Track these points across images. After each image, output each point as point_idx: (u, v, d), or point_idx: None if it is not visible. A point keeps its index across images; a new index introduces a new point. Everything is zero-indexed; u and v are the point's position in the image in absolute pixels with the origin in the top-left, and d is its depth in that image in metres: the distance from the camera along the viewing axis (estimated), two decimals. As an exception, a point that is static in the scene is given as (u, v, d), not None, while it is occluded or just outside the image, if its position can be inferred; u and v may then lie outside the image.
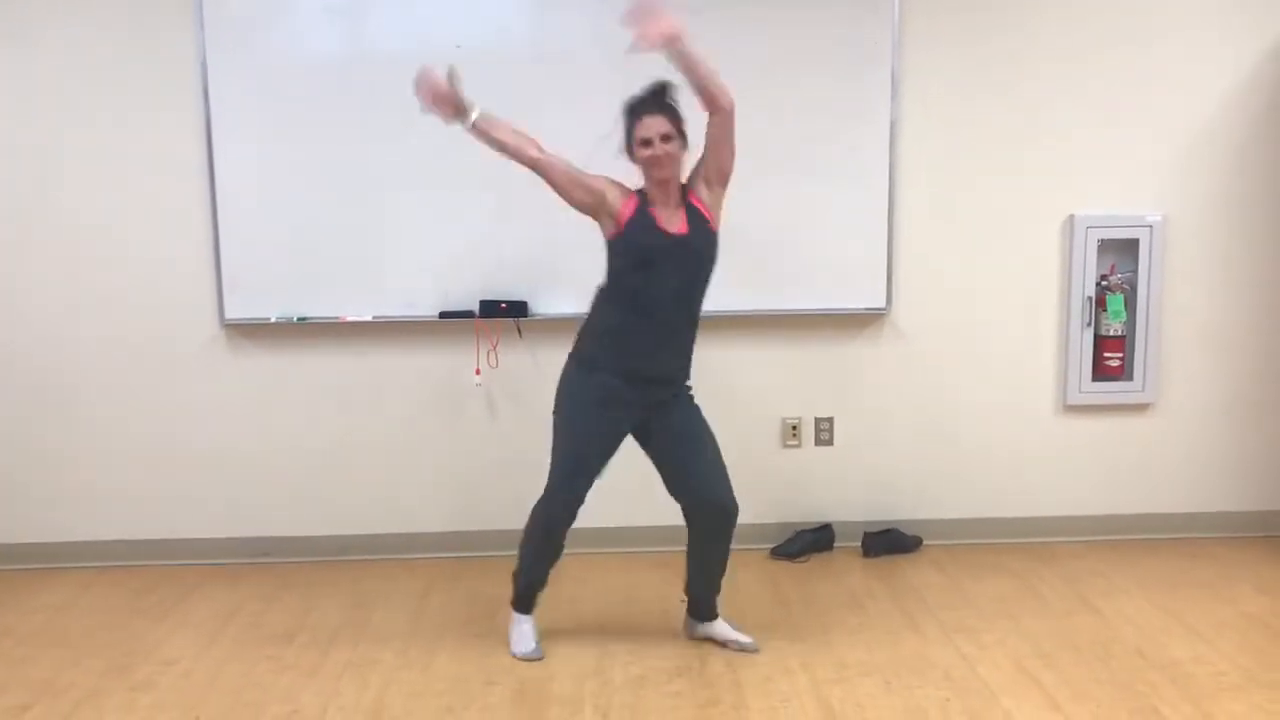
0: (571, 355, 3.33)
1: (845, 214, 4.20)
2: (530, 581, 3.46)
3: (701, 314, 3.30)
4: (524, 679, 3.30)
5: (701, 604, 3.51)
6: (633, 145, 3.19)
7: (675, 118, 3.17)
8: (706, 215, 3.24)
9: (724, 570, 3.46)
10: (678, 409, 3.32)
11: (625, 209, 3.19)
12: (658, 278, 3.19)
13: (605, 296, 3.29)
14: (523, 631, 3.45)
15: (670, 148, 3.15)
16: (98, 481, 4.31)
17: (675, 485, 3.35)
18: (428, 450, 4.33)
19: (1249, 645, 3.46)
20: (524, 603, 3.49)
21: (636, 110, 3.19)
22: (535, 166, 3.18)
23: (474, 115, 3.15)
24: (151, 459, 4.30)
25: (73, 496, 4.31)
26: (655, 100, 3.18)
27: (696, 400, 3.36)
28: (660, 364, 3.27)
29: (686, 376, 3.35)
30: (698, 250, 3.23)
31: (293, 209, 4.13)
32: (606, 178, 3.22)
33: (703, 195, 3.26)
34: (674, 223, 3.21)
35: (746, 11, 4.07)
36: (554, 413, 3.32)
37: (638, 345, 3.23)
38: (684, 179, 3.25)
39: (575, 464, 3.29)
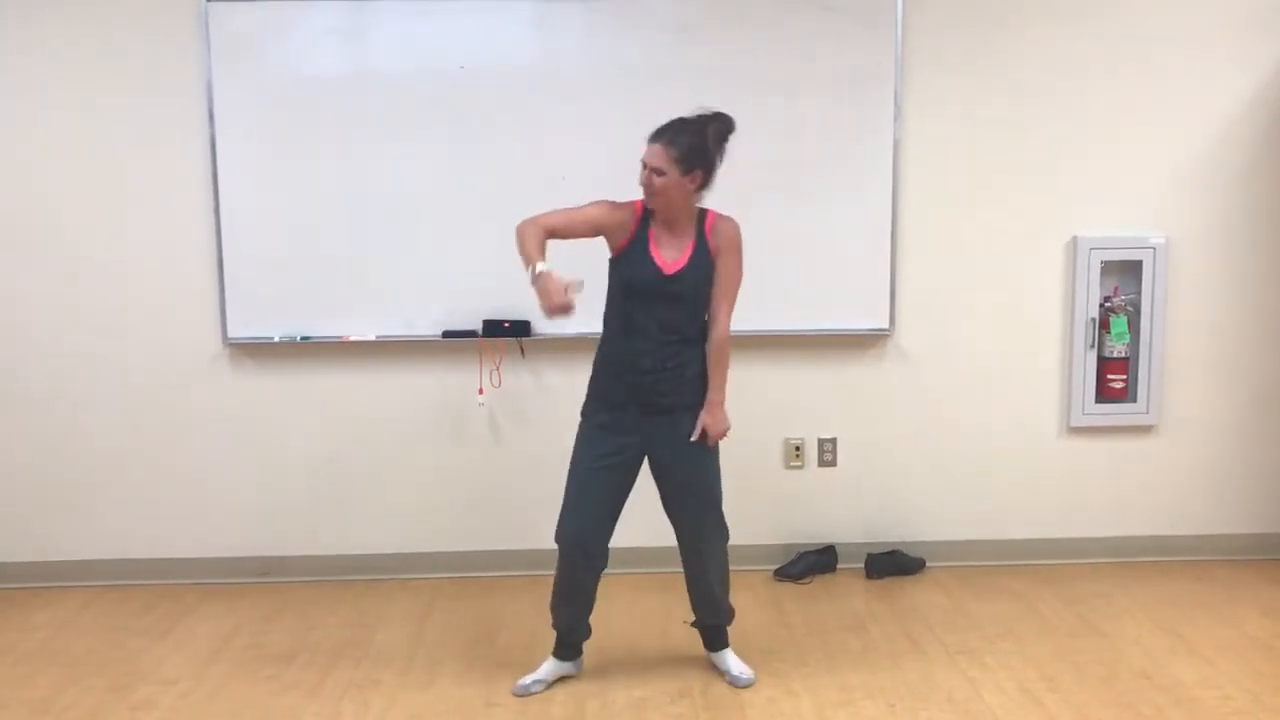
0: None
1: (849, 235, 4.21)
2: (557, 625, 3.41)
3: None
4: (525, 701, 3.28)
5: (707, 631, 3.48)
6: None
7: (675, 153, 3.10)
8: (711, 250, 3.21)
9: (721, 594, 3.42)
10: (664, 438, 3.25)
11: (629, 231, 3.19)
12: (644, 308, 3.18)
13: (604, 321, 3.27)
14: (537, 669, 3.40)
15: (657, 181, 3.11)
16: (98, 500, 4.30)
17: (666, 507, 3.34)
18: (430, 469, 4.32)
19: (1254, 668, 3.44)
20: (557, 647, 3.43)
21: (651, 135, 3.17)
22: (552, 234, 3.13)
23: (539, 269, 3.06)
24: (153, 478, 4.29)
25: (73, 515, 4.31)
26: (661, 131, 3.15)
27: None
28: (652, 391, 3.21)
29: (691, 399, 3.27)
30: (691, 288, 3.20)
31: (296, 228, 4.14)
32: (608, 202, 3.21)
33: (721, 228, 3.23)
34: (673, 254, 3.19)
35: (748, 33, 4.09)
36: None
37: (618, 366, 3.21)
38: (697, 207, 3.23)
39: (568, 502, 3.27)
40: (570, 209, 3.18)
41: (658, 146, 3.12)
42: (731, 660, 3.44)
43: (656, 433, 3.25)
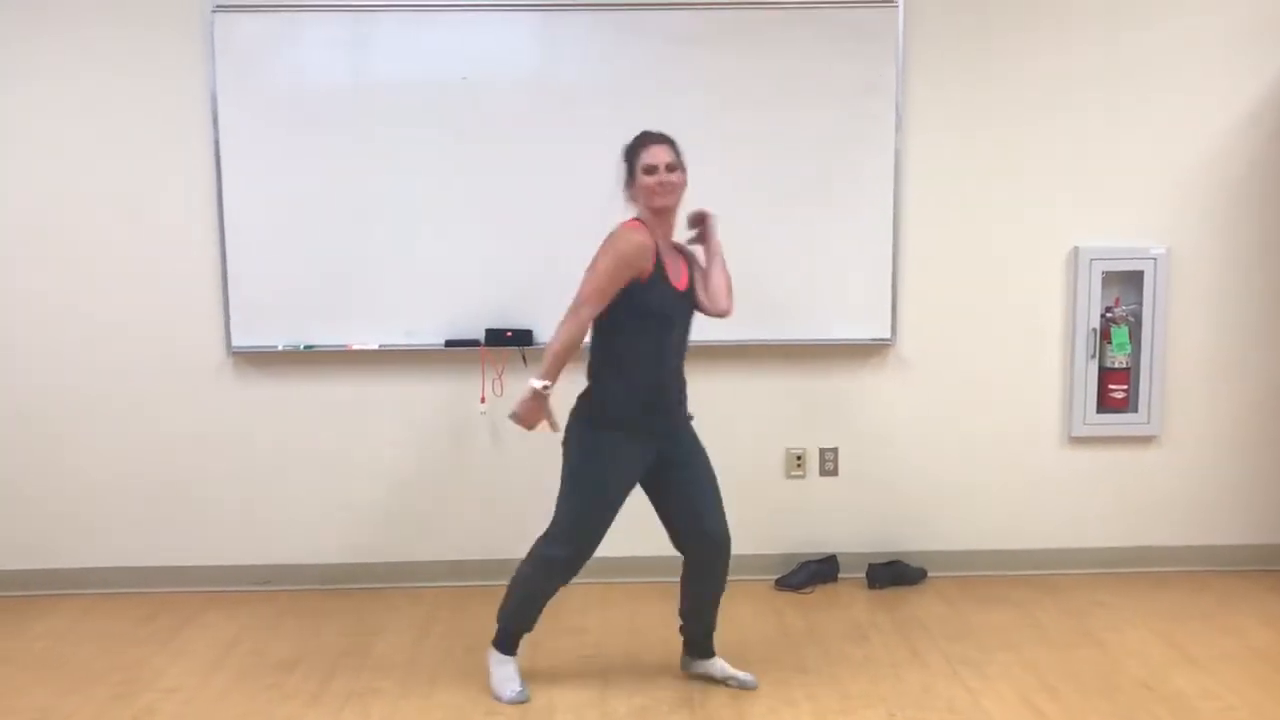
0: (581, 417, 3.22)
1: (850, 245, 4.22)
2: (520, 623, 3.41)
3: (698, 341, 3.34)
4: (525, 710, 3.28)
5: (697, 641, 3.48)
6: (634, 176, 3.17)
7: (678, 153, 3.20)
8: (688, 265, 3.31)
9: (717, 605, 3.42)
10: (680, 439, 3.30)
11: (653, 255, 3.13)
12: (669, 331, 3.23)
13: (620, 350, 3.20)
14: (507, 674, 3.37)
15: (674, 177, 3.16)
16: (100, 507, 4.31)
17: (670, 516, 3.31)
18: (432, 478, 4.33)
19: (1255, 679, 3.44)
20: (510, 643, 3.42)
21: (642, 142, 3.20)
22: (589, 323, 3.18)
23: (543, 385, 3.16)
24: (155, 485, 4.30)
25: (75, 522, 4.31)
26: (657, 134, 3.21)
27: (701, 429, 3.35)
28: (669, 406, 3.28)
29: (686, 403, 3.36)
30: (694, 303, 3.31)
31: (300, 238, 4.15)
32: (637, 237, 3.11)
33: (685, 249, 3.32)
34: (678, 274, 3.24)
35: (750, 44, 4.10)
36: (567, 466, 3.24)
37: (650, 395, 3.22)
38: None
39: (592, 526, 3.23)
40: (598, 280, 3.10)
41: (666, 147, 3.18)
42: (728, 665, 3.43)
43: (668, 441, 3.28)
